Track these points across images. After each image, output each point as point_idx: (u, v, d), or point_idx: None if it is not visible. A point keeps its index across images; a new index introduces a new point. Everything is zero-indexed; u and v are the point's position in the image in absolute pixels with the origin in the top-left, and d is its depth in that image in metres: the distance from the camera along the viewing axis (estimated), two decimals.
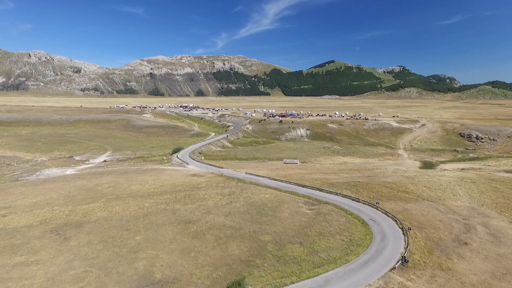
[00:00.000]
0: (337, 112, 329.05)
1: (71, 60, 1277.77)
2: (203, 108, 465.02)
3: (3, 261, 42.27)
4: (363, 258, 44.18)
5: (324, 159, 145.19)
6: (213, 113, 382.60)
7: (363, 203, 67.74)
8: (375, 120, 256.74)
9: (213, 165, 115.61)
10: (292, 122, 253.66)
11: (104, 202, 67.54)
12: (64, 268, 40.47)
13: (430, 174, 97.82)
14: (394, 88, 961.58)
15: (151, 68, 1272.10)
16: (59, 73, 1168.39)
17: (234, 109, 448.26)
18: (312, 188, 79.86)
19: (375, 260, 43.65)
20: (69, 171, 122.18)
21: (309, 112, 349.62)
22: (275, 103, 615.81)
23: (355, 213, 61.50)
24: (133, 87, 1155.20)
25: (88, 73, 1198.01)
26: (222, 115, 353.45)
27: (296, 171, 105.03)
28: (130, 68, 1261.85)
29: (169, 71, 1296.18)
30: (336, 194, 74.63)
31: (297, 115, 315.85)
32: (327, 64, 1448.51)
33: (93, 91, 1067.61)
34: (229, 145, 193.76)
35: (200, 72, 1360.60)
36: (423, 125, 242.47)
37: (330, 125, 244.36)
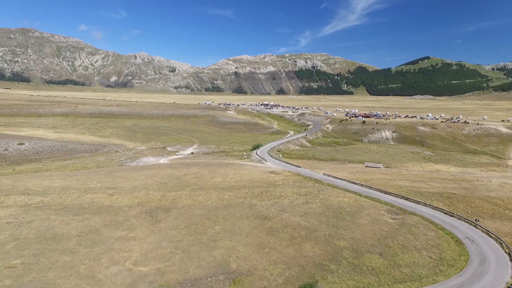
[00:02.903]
0: (429, 114, 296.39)
1: (167, 60, 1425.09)
2: (283, 107, 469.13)
3: (110, 234, 49.52)
4: (455, 281, 38.94)
5: (412, 165, 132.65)
6: (293, 112, 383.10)
7: (458, 219, 59.73)
8: (477, 124, 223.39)
9: (290, 164, 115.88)
10: (377, 123, 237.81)
11: (189, 191, 73.59)
12: (155, 247, 45.41)
13: None
14: (505, 88, 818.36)
15: (236, 67, 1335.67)
16: (158, 72, 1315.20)
17: (314, 108, 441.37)
18: (397, 196, 73.68)
19: (470, 286, 38.10)
20: (162, 160, 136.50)
21: (396, 113, 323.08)
22: (358, 103, 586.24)
23: (447, 228, 54.63)
24: (219, 85, 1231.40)
25: (181, 72, 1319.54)
26: (302, 114, 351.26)
27: (379, 176, 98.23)
28: (217, 67, 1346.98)
29: (253, 69, 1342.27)
30: (425, 205, 67.40)
31: (383, 116, 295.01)
32: (420, 61, 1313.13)
33: (184, 88, 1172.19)
34: (308, 144, 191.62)
35: (282, 70, 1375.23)
36: None
37: (421, 128, 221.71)
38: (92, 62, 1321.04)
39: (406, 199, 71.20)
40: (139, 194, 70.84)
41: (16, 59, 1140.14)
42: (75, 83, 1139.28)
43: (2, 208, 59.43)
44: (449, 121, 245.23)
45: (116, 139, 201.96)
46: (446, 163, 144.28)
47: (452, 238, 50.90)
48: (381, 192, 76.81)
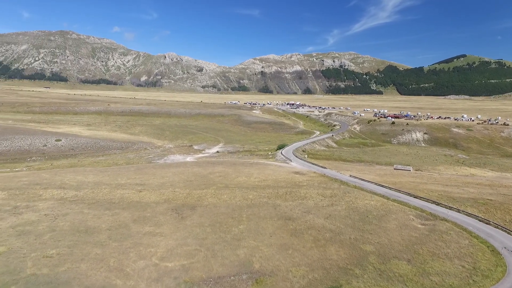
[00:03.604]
0: (465, 115, 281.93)
1: (195, 60, 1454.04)
2: (309, 106, 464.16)
3: (138, 229, 51.28)
4: None
5: (444, 169, 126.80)
6: (319, 112, 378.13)
7: (495, 227, 56.35)
8: None
9: (315, 164, 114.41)
10: (407, 124, 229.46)
11: (214, 190, 74.63)
12: (180, 244, 46.47)
13: None
14: None
15: (262, 67, 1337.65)
16: (186, 72, 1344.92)
17: (341, 108, 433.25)
18: (427, 200, 70.68)
19: None
20: (189, 158, 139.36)
21: (428, 114, 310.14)
22: (387, 103, 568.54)
23: (483, 237, 51.69)
24: (245, 85, 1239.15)
25: (209, 71, 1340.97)
26: (329, 114, 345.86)
27: (408, 179, 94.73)
28: (243, 66, 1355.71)
29: (279, 69, 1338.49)
30: (458, 211, 64.16)
31: (414, 116, 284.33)
32: (455, 59, 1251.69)
33: (211, 88, 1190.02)
34: (334, 145, 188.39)
35: (308, 70, 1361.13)
36: None
37: (455, 129, 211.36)
38: (124, 62, 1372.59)
39: (438, 204, 68.12)
40: (166, 191, 72.75)
41: (55, 60, 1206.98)
42: (108, 82, 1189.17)
43: (41, 201, 63.17)
44: (486, 123, 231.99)
45: (145, 137, 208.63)
46: (482, 167, 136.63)
47: (488, 247, 48.11)
48: (411, 196, 74.00)
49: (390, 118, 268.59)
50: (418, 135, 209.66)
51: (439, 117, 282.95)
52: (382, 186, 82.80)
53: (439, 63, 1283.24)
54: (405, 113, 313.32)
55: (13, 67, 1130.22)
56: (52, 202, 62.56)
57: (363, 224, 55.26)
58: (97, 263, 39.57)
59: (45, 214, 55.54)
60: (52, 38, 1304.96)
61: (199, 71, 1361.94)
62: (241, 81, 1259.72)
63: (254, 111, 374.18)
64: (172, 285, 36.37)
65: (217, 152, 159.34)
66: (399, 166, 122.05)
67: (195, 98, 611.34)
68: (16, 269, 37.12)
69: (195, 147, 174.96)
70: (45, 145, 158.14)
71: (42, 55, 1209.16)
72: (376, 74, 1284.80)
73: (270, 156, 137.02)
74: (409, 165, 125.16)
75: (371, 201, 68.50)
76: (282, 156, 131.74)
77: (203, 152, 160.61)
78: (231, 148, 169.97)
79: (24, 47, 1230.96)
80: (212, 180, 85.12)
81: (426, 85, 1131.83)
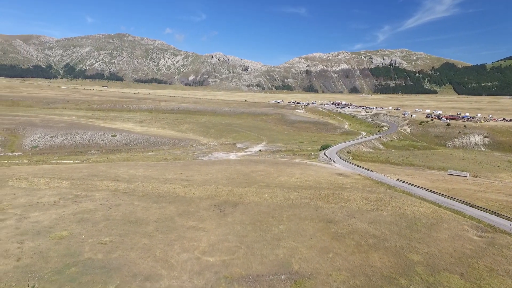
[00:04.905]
0: None
1: (241, 59, 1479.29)
2: (355, 106, 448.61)
3: (182, 222, 53.63)
4: None
5: (508, 176, 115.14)
6: (366, 112, 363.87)
7: None
8: None
9: (360, 167, 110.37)
10: (465, 126, 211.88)
11: (256, 188, 75.40)
12: (221, 239, 47.72)
13: None
14: None
15: (307, 65, 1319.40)
16: (231, 71, 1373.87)
17: (390, 108, 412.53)
18: (486, 210, 64.71)
19: None
20: (232, 156, 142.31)
21: (490, 115, 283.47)
22: (442, 103, 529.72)
23: None
24: (289, 84, 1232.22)
25: (253, 70, 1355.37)
26: (376, 114, 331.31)
27: (464, 186, 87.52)
28: (288, 65, 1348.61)
29: (325, 67, 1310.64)
30: None
31: (472, 118, 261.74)
32: None
33: (256, 87, 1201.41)
34: (381, 146, 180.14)
35: (356, 68, 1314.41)
36: None
37: None
38: (174, 62, 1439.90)
39: (498, 215, 62.05)
40: (209, 187, 75.09)
41: (113, 60, 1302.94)
42: (158, 81, 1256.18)
43: (98, 191, 68.77)
44: None
45: (192, 134, 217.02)
46: None
47: None
48: (466, 204, 68.31)
49: (445, 119, 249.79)
50: (477, 138, 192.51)
51: (503, 119, 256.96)
52: (434, 192, 77.48)
53: (504, 59, 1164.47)
54: (462, 114, 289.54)
55: (77, 68, 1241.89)
56: (107, 193, 67.78)
57: (410, 232, 52.23)
58: (144, 253, 42.12)
59: (100, 204, 60.36)
60: (110, 40, 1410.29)
61: (244, 70, 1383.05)
62: (285, 80, 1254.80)
63: (297, 110, 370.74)
64: (212, 279, 37.51)
65: (260, 150, 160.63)
66: (454, 172, 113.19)
67: (239, 97, 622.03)
68: (75, 252, 40.88)
69: (238, 145, 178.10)
70: (103, 140, 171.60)
71: (102, 56, 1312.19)
72: (430, 72, 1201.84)
73: (313, 157, 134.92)
74: (465, 171, 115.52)
75: (421, 207, 64.46)
76: (325, 157, 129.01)
77: (246, 150, 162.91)
78: (274, 147, 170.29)
79: (87, 49, 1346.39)
80: (254, 178, 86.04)
81: (489, 83, 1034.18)
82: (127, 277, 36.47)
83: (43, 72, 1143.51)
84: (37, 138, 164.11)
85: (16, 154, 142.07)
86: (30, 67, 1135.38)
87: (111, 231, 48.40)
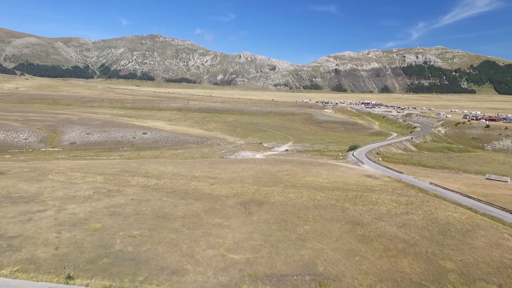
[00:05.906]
0: None
1: (268, 59, 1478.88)
2: (386, 106, 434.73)
3: (208, 219, 54.60)
4: None
5: None
6: (397, 112, 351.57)
7: None
8: None
9: (390, 168, 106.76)
10: (506, 128, 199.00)
11: (281, 188, 75.17)
12: (246, 238, 48.06)
13: None
14: None
15: (337, 64, 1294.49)
16: (259, 70, 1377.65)
17: (423, 108, 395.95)
18: None
19: None
20: (258, 155, 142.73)
21: None
22: (481, 103, 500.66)
23: None
24: (318, 83, 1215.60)
25: (281, 70, 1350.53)
26: (408, 115, 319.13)
27: (504, 192, 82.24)
28: (317, 64, 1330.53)
29: (354, 66, 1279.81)
30: None
31: None
32: None
33: (283, 86, 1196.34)
34: (413, 148, 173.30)
35: (387, 67, 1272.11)
36: None
37: None
38: (202, 62, 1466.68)
39: None
40: (235, 186, 75.81)
41: (145, 61, 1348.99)
42: (188, 81, 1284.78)
43: (129, 187, 71.57)
44: None
45: (219, 133, 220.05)
46: None
47: None
48: (506, 211, 64.16)
49: (484, 121, 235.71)
50: None
51: None
52: (470, 197, 73.45)
53: None
54: (504, 116, 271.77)
55: (112, 68, 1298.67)
56: (137, 188, 70.37)
57: (443, 238, 49.86)
58: (171, 247, 43.32)
59: (131, 199, 62.77)
60: (143, 41, 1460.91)
61: (271, 69, 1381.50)
62: (313, 79, 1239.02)
63: (325, 110, 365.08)
64: (237, 277, 37.87)
65: (286, 150, 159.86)
66: (493, 176, 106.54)
67: (266, 96, 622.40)
68: (108, 244, 42.83)
69: (265, 144, 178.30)
70: (134, 137, 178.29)
71: (135, 57, 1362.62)
72: (468, 71, 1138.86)
73: (341, 157, 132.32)
74: (506, 176, 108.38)
75: (455, 213, 61.35)
76: (354, 158, 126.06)
77: (272, 150, 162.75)
78: (300, 147, 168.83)
79: (121, 50, 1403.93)
80: (280, 178, 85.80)
81: None
82: (155, 270, 37.69)
83: (81, 72, 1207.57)
84: (74, 135, 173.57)
85: (56, 149, 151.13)
86: (70, 67, 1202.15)
87: (140, 225, 50.22)
